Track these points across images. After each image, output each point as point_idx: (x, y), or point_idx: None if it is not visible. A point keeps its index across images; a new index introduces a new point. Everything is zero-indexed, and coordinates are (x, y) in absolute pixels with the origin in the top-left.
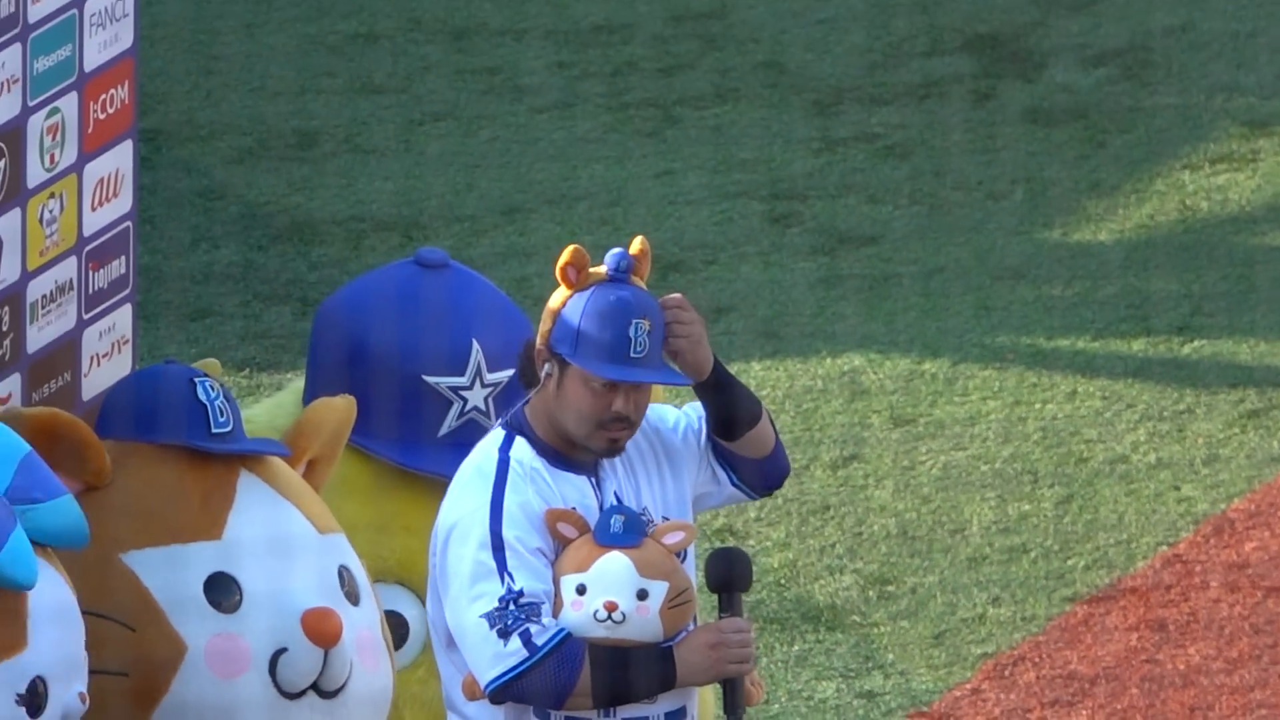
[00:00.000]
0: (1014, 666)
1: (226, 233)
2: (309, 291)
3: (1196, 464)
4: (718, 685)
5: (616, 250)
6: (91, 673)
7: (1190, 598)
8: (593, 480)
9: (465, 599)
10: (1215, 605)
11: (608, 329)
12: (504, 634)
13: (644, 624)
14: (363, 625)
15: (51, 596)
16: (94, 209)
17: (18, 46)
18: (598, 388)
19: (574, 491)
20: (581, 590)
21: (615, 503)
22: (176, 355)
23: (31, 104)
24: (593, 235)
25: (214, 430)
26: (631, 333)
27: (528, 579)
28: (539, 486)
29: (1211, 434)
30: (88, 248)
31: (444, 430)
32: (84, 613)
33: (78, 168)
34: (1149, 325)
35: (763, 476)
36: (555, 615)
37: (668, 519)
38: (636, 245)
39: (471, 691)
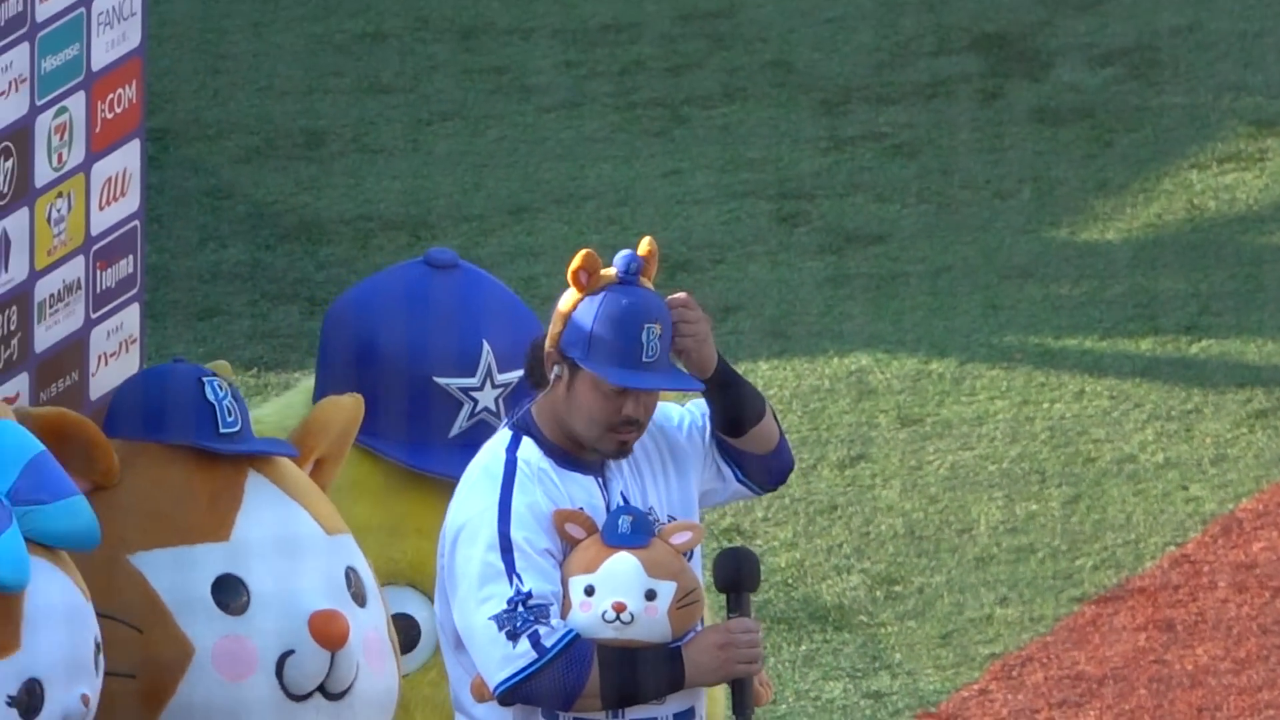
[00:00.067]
0: (1022, 667)
1: (234, 232)
2: (316, 291)
3: (1204, 464)
4: (726, 685)
5: (626, 252)
6: None
7: (1198, 598)
8: (599, 480)
9: (473, 601)
10: (1223, 605)
11: (620, 334)
12: (513, 636)
13: (652, 624)
14: (369, 626)
15: (53, 598)
16: (101, 208)
17: (25, 46)
18: (609, 392)
19: (581, 492)
20: (590, 591)
21: (622, 503)
22: (184, 354)
23: (39, 103)
24: (600, 235)
25: (222, 430)
26: (644, 338)
27: (536, 580)
28: (546, 487)
29: (1219, 434)
30: (95, 247)
31: (455, 431)
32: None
33: (85, 167)
34: (1157, 325)
35: (767, 472)
36: (563, 616)
37: (674, 518)
38: (645, 246)
39: (480, 693)
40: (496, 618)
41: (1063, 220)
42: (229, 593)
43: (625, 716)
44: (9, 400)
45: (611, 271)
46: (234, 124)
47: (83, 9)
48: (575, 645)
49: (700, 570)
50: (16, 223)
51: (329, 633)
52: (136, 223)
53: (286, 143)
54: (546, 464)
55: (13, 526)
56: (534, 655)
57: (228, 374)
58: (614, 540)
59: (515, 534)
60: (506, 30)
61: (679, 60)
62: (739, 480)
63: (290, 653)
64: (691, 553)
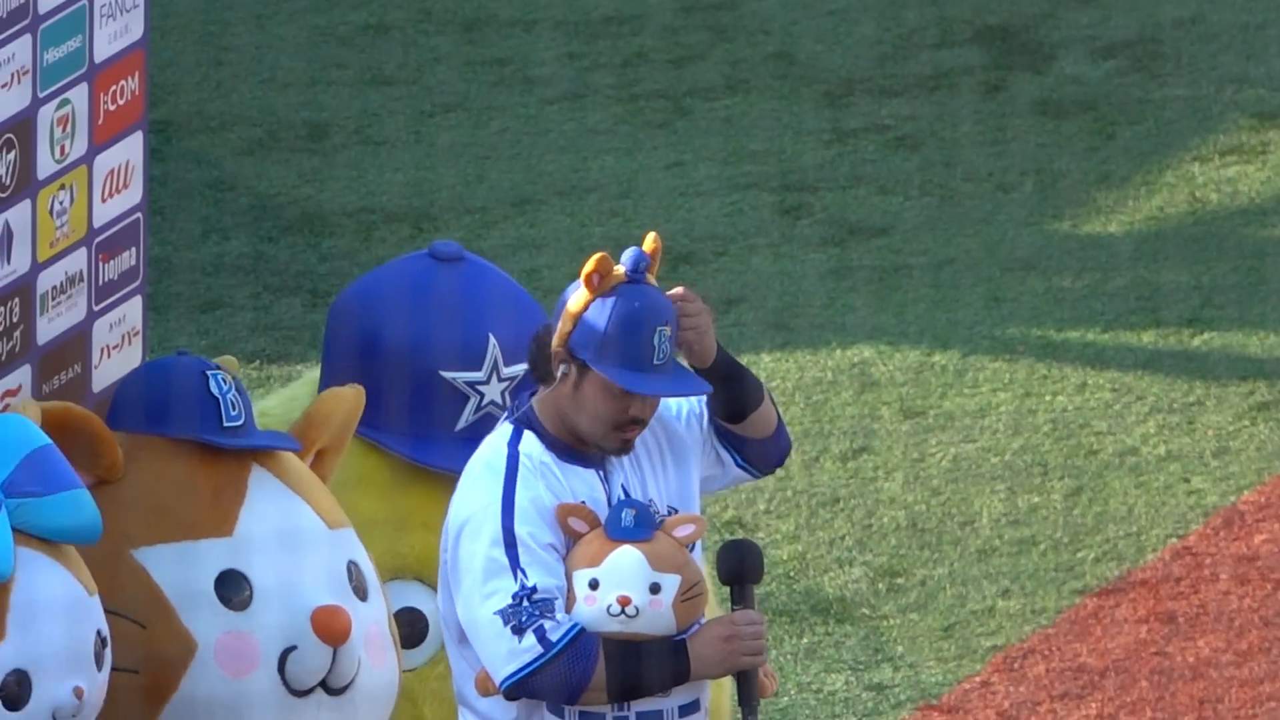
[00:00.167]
0: (1024, 659)
1: (237, 224)
2: (319, 283)
3: (1206, 456)
4: (731, 678)
5: (634, 250)
6: None
7: (1200, 590)
8: (600, 473)
9: (478, 596)
10: (1225, 598)
11: (632, 338)
12: (518, 630)
13: (657, 617)
14: (370, 621)
15: (48, 590)
16: (104, 200)
17: (28, 37)
18: (617, 393)
19: (583, 485)
20: (594, 585)
21: (623, 496)
22: (186, 347)
23: (41, 95)
24: (603, 227)
25: (226, 424)
26: (655, 341)
27: (540, 575)
28: (549, 481)
29: (1221, 426)
30: (98, 239)
31: (461, 425)
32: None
33: (88, 159)
34: (1159, 317)
35: (767, 455)
36: (568, 610)
37: (674, 509)
38: (649, 242)
39: (485, 688)
40: (501, 613)
41: (1065, 213)
42: (232, 588)
43: (630, 709)
44: (11, 393)
45: (619, 270)
46: (237, 116)
47: (85, 1)
48: (581, 639)
49: (702, 562)
50: (19, 215)
51: (332, 628)
52: (139, 215)
53: (289, 135)
54: (548, 458)
55: (0, 516)
56: (540, 650)
57: (235, 369)
58: (617, 534)
59: (519, 529)
60: (509, 22)
61: (681, 52)
62: (739, 465)
63: (293, 648)
64: (693, 545)
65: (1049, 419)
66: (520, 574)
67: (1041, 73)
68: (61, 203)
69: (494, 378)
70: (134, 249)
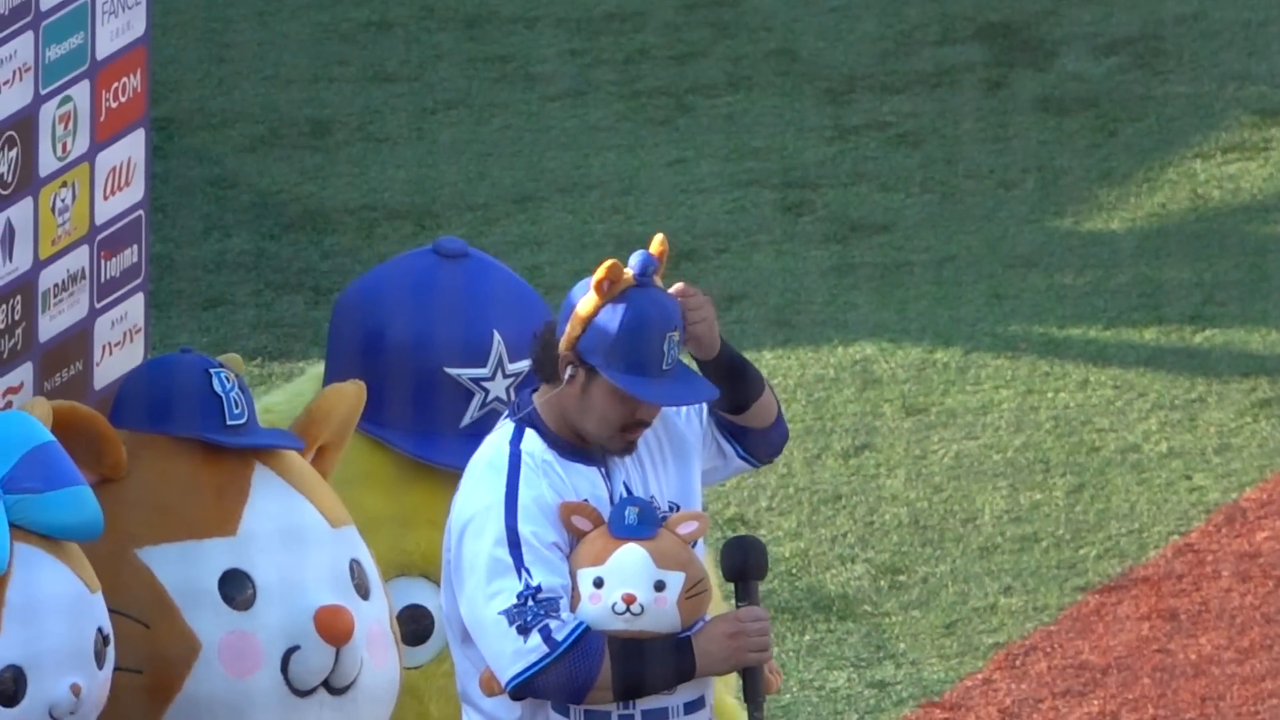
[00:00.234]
0: (1025, 656)
1: (239, 221)
2: (321, 280)
3: (1208, 453)
4: (736, 675)
5: (641, 253)
6: None
7: (1202, 587)
8: (602, 471)
9: (483, 596)
10: (1227, 595)
11: (643, 345)
12: (523, 630)
13: (662, 615)
14: (372, 619)
15: (45, 586)
16: (106, 198)
17: (29, 35)
18: (625, 397)
19: (585, 483)
20: (599, 583)
21: (625, 493)
22: (188, 344)
23: (43, 92)
24: (605, 224)
25: (229, 422)
26: (664, 347)
27: (545, 574)
28: (552, 479)
29: (1223, 423)
30: (100, 236)
31: (466, 421)
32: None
33: (90, 156)
34: (1161, 314)
35: (768, 444)
36: (573, 609)
37: (675, 505)
38: (657, 245)
39: (490, 687)
40: (507, 612)
41: (1067, 210)
42: (235, 587)
43: (636, 708)
44: (13, 390)
45: (628, 273)
46: (239, 113)
47: None
48: (586, 638)
49: (703, 558)
50: (21, 212)
51: (334, 628)
52: (141, 212)
53: (291, 132)
54: (550, 456)
55: None
56: (546, 649)
57: (239, 367)
58: (621, 532)
59: (523, 528)
60: (511, 19)
61: (684, 49)
62: (740, 456)
63: (296, 648)
64: (695, 541)
65: (1051, 416)
66: (525, 573)
67: (1043, 70)
68: (63, 200)
69: (498, 374)
70: (136, 246)
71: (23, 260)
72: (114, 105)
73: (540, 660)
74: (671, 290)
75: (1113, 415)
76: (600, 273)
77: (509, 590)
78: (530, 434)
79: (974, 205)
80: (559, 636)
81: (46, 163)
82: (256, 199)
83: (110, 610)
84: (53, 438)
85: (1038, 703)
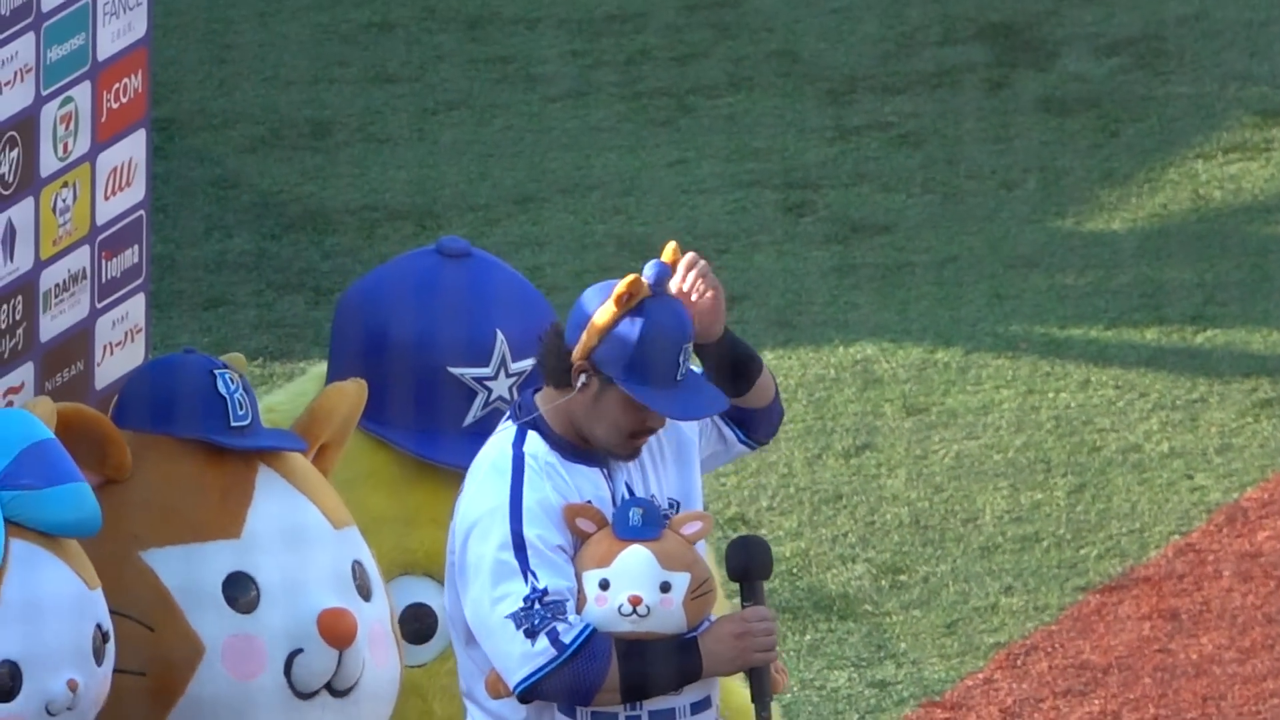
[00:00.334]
0: (1026, 656)
1: (240, 222)
2: (322, 281)
3: (1210, 453)
4: (743, 675)
5: (655, 263)
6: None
7: (1203, 587)
8: (604, 471)
9: (488, 600)
10: (1228, 595)
11: (660, 357)
12: (531, 634)
13: (668, 616)
14: (374, 620)
15: (41, 582)
16: (107, 198)
17: (31, 35)
18: (638, 406)
19: (588, 484)
20: (605, 585)
21: (627, 493)
22: (190, 344)
23: (45, 93)
24: (606, 224)
25: (233, 424)
26: (680, 358)
27: (551, 577)
28: (555, 481)
29: (1225, 423)
30: (101, 237)
31: (469, 420)
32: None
33: (91, 157)
34: (1162, 314)
35: (768, 424)
36: (578, 611)
37: (676, 503)
38: (669, 253)
39: (496, 690)
40: (513, 616)
41: (1069, 210)
42: (239, 589)
43: (643, 708)
44: (14, 390)
45: (643, 283)
46: (240, 114)
47: None
48: (593, 640)
49: (705, 558)
50: (22, 212)
51: (337, 631)
52: (142, 212)
53: (292, 132)
54: (553, 458)
55: None
56: (553, 652)
57: (242, 367)
58: (626, 533)
59: (528, 531)
60: (512, 20)
61: (685, 50)
62: (741, 441)
63: (299, 651)
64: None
65: (1052, 416)
66: (531, 576)
67: (1045, 70)
68: (64, 200)
69: (501, 373)
70: (137, 246)
71: (24, 260)
72: (115, 106)
73: (548, 663)
74: (682, 262)
75: (1114, 415)
76: (621, 288)
77: (515, 594)
78: (533, 436)
79: (975, 206)
80: (567, 639)
81: (48, 163)
82: (257, 199)
83: (113, 612)
84: (52, 435)
85: (1039, 702)
